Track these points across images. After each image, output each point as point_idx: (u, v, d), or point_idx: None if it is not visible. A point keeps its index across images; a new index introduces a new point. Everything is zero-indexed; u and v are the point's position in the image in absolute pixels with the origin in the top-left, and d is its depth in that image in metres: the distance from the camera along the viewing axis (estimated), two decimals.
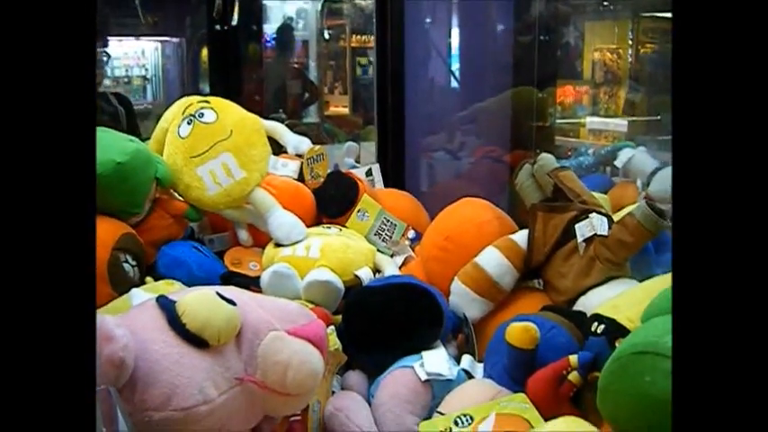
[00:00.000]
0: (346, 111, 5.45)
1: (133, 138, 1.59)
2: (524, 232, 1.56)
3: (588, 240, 1.46)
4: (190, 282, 1.50)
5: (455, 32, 3.12)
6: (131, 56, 5.69)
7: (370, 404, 1.29)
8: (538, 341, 1.24)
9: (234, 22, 2.66)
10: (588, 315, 1.31)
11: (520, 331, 1.24)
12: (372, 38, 4.94)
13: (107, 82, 3.53)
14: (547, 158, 1.66)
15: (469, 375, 1.34)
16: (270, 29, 4.72)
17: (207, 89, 4.32)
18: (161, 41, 5.60)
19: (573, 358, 1.19)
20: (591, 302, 1.39)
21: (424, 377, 1.27)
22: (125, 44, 5.44)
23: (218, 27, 3.10)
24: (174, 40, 5.40)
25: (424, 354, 1.32)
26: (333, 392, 1.31)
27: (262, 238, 1.73)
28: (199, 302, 1.00)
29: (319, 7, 5.05)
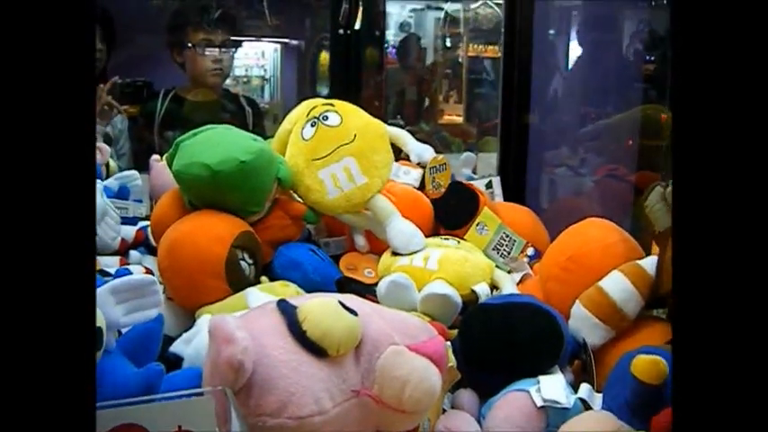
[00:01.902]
0: (460, 119, 5.43)
1: (257, 137, 1.60)
2: (653, 258, 1.48)
3: None
4: (304, 284, 1.49)
5: (582, 46, 3.05)
6: (251, 56, 5.83)
7: (480, 425, 1.24)
8: (666, 377, 1.16)
9: (357, 27, 2.67)
10: None
11: (647, 364, 1.16)
12: (489, 48, 4.90)
13: (228, 81, 3.68)
14: None
15: (587, 406, 1.27)
16: (390, 34, 4.75)
17: (324, 92, 4.39)
18: (281, 43, 5.71)
19: None
20: None
21: (540, 403, 1.22)
22: (246, 45, 5.58)
23: (340, 31, 3.12)
24: (294, 42, 5.50)
25: (542, 378, 1.26)
26: (443, 410, 1.27)
27: (378, 245, 1.71)
28: (321, 310, 0.98)
29: (442, 15, 5.04)
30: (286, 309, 1.00)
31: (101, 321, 0.97)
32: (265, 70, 5.97)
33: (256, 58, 5.91)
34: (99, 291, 1.07)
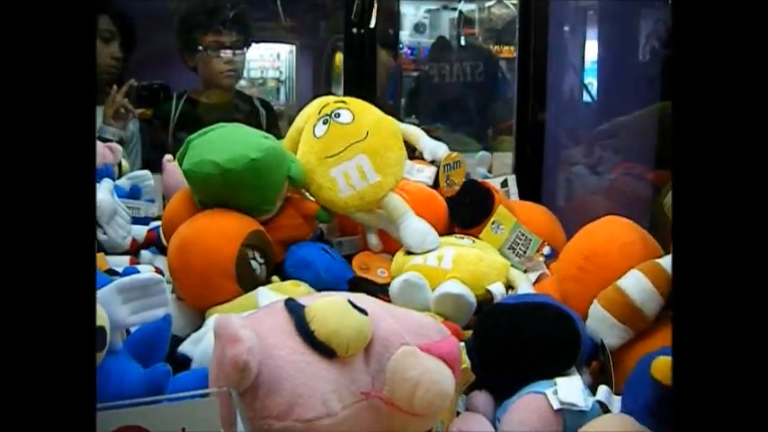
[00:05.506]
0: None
1: (268, 135, 1.58)
2: (671, 257, 1.45)
3: None
4: (316, 284, 1.47)
5: (597, 42, 3.03)
6: (266, 58, 5.83)
7: (495, 428, 1.21)
8: None
9: (372, 25, 2.65)
10: None
11: (668, 366, 1.13)
12: (505, 48, 4.88)
13: (243, 83, 3.68)
14: None
15: (605, 408, 1.24)
16: (404, 35, 4.73)
17: (339, 92, 4.37)
18: (295, 45, 5.71)
19: None
20: None
21: (556, 406, 1.19)
22: (261, 47, 5.57)
23: (354, 30, 3.10)
24: (309, 43, 5.49)
25: (558, 380, 1.23)
26: (457, 413, 1.24)
27: (391, 245, 1.68)
28: (329, 309, 0.95)
29: (456, 15, 5.03)
30: (294, 308, 0.97)
31: (104, 320, 0.95)
32: (281, 72, 5.96)
33: (272, 60, 5.90)
34: (105, 289, 1.05)
